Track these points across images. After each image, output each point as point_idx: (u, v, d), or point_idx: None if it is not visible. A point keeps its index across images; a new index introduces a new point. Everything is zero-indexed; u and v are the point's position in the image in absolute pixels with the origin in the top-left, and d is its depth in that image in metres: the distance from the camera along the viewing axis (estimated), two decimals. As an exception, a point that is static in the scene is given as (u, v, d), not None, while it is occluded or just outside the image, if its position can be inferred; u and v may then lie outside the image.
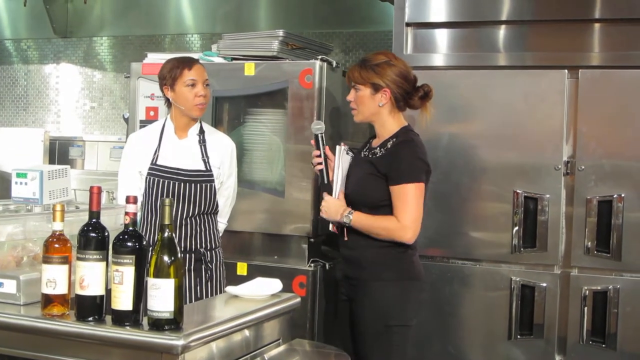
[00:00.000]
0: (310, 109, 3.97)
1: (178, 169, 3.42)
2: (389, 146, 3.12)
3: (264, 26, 5.51)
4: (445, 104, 3.65)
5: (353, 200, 3.16)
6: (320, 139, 3.32)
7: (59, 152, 5.97)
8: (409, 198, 3.03)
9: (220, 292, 3.50)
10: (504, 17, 3.80)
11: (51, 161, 5.81)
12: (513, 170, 3.69)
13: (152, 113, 4.35)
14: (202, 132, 3.51)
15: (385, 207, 3.08)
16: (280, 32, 4.09)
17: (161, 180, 3.41)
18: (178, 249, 2.22)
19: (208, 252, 3.47)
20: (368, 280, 3.11)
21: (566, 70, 3.62)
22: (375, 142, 3.22)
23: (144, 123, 4.31)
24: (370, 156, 3.17)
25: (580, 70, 3.59)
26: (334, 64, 4.08)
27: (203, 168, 3.45)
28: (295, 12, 5.53)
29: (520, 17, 3.78)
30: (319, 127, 3.33)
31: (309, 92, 3.98)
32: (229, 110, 4.31)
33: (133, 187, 3.45)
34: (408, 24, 3.89)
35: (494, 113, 3.71)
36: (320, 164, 3.31)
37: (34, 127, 6.40)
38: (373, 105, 3.14)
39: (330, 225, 3.27)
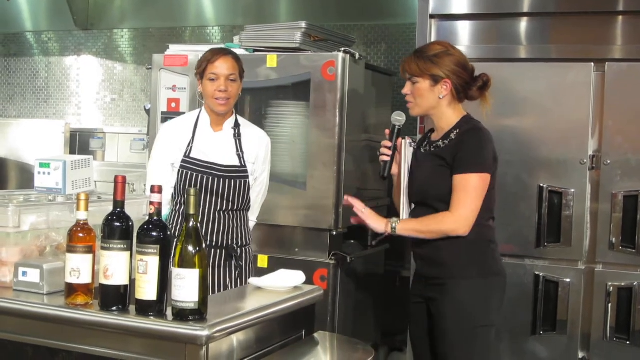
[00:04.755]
0: (333, 101, 3.95)
1: (213, 163, 3.31)
2: (452, 137, 2.94)
3: (285, 18, 5.48)
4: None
5: (423, 196, 2.98)
6: (396, 130, 3.12)
7: (80, 144, 5.99)
8: (470, 189, 2.84)
9: None
10: (527, 10, 3.78)
11: (72, 153, 5.81)
12: (538, 164, 3.66)
13: (173, 105, 4.35)
14: (237, 125, 3.40)
15: None
16: (303, 24, 4.07)
17: (194, 174, 3.30)
18: (203, 239, 2.21)
19: (239, 249, 3.37)
20: (450, 279, 2.91)
21: (592, 64, 3.59)
22: (436, 136, 3.04)
23: (165, 115, 4.32)
24: (433, 149, 2.99)
25: (607, 63, 3.56)
26: (357, 56, 4.05)
27: (238, 163, 3.34)
28: (317, 5, 5.51)
29: (544, 10, 3.76)
30: (400, 118, 3.12)
31: (331, 84, 3.95)
32: (251, 102, 4.29)
33: (163, 179, 3.29)
34: (432, 16, 3.87)
35: (519, 106, 3.67)
36: (387, 155, 3.12)
37: (54, 119, 6.42)
38: (433, 97, 2.96)
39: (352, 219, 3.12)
